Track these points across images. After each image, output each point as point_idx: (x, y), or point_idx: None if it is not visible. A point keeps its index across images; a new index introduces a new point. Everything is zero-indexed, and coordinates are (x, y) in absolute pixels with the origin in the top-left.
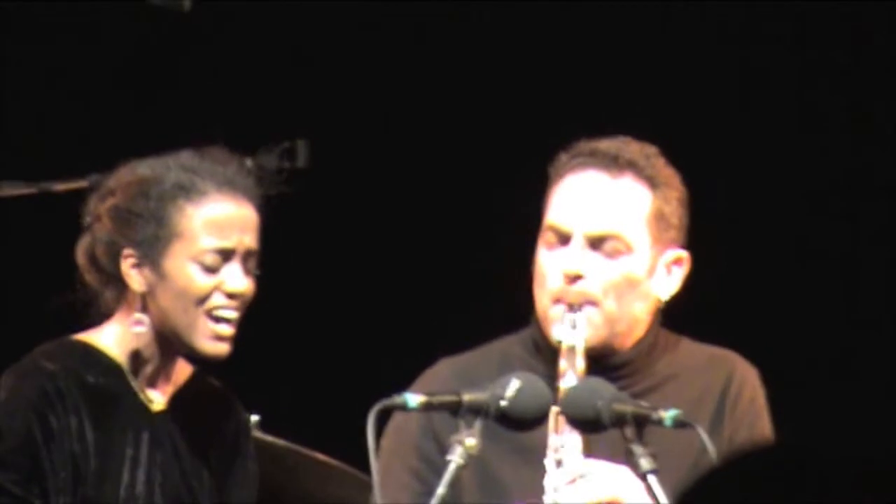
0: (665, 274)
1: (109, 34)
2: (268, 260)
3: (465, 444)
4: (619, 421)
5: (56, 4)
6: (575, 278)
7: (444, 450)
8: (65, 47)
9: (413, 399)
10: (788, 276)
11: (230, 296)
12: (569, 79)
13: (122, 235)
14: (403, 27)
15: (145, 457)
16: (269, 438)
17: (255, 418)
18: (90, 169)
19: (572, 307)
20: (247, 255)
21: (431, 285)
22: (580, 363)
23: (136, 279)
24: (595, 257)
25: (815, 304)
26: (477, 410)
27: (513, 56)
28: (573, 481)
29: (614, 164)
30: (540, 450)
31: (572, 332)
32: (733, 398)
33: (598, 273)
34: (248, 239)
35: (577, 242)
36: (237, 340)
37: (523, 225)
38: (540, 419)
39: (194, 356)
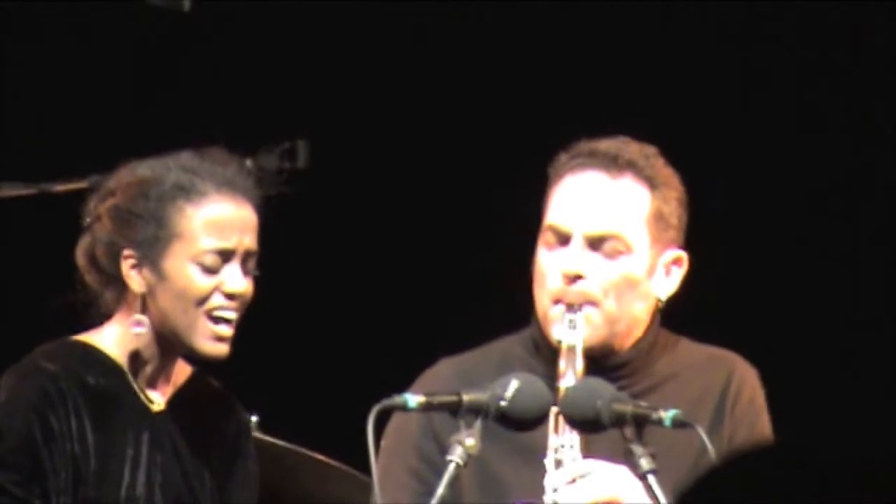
0: (664, 274)
1: (109, 34)
2: (268, 260)
3: (464, 444)
4: (619, 421)
5: (56, 4)
6: (575, 278)
7: (443, 450)
8: (65, 47)
9: (413, 399)
10: (788, 277)
11: (230, 296)
12: (569, 79)
13: (121, 236)
14: (403, 27)
15: (145, 457)
16: (269, 438)
17: (254, 418)
18: (90, 169)
19: (572, 307)
20: (246, 256)
21: (431, 285)
22: (580, 363)
23: (135, 280)
24: (595, 257)
25: (815, 304)
26: (477, 410)
27: (513, 56)
28: (573, 481)
29: (614, 164)
30: (540, 450)
31: (572, 332)
32: (733, 398)
33: (598, 273)
34: (247, 240)
35: (577, 243)
36: (237, 341)
37: (523, 225)
38: (540, 419)
39: (194, 357)
